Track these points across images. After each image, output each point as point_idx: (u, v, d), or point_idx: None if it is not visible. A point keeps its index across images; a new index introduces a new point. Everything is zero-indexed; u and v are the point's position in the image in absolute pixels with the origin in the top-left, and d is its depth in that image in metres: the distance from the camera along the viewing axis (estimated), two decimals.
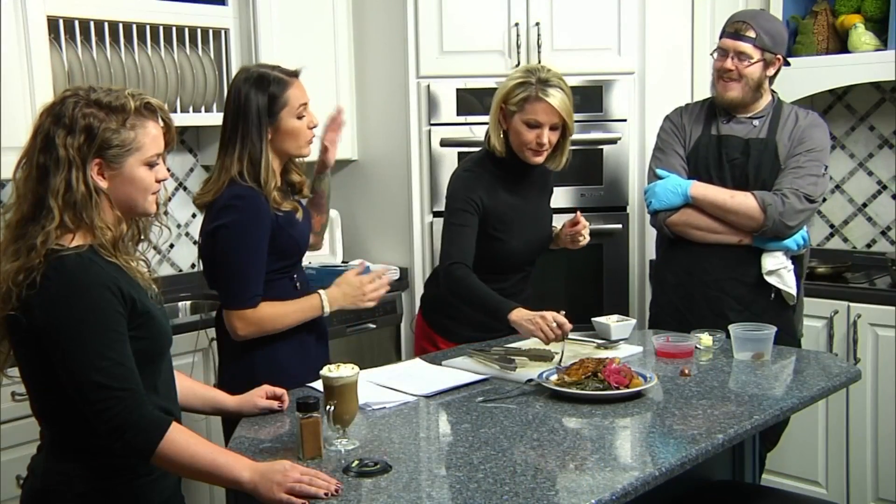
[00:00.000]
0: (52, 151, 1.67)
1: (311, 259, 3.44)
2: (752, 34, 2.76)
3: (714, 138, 2.86)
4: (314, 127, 2.46)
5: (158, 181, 1.79)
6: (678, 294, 2.93)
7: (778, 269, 2.80)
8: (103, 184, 1.72)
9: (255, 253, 2.32)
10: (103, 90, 1.73)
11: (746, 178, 2.81)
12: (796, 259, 2.86)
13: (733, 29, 2.81)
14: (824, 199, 3.96)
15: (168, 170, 1.84)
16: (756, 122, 2.85)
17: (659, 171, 2.89)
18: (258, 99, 2.34)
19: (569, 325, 2.38)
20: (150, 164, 1.76)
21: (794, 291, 2.84)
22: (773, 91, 2.90)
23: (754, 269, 2.82)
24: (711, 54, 2.91)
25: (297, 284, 2.48)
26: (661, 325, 2.93)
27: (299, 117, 2.39)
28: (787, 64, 2.92)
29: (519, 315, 2.44)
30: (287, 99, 2.37)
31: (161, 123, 1.79)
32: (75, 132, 1.67)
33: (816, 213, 4.03)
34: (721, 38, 2.85)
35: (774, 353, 2.51)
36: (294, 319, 2.39)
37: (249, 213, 2.31)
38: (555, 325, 2.37)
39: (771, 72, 2.83)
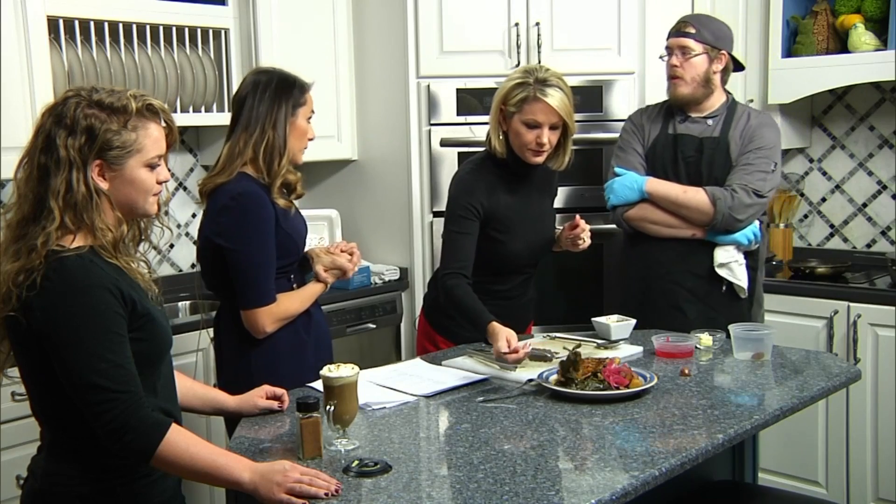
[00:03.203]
0: (53, 152, 1.67)
1: None
2: (692, 30, 2.91)
3: (671, 137, 2.99)
4: (312, 139, 2.52)
5: (160, 182, 1.79)
6: (639, 287, 3.04)
7: (729, 263, 2.92)
8: (104, 185, 1.71)
9: (267, 247, 2.34)
10: (105, 91, 1.73)
11: (700, 175, 2.93)
12: (749, 254, 2.97)
13: (675, 29, 2.96)
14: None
15: (169, 170, 1.84)
16: (710, 122, 2.98)
17: (617, 169, 3.02)
18: (283, 96, 2.40)
19: (522, 358, 2.36)
20: (152, 166, 1.76)
21: (744, 284, 2.94)
22: (727, 91, 3.03)
23: (707, 261, 2.93)
24: (660, 57, 3.03)
25: (294, 285, 2.49)
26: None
27: (308, 121, 2.47)
28: (741, 68, 3.06)
29: (492, 336, 2.42)
30: (306, 100, 2.46)
31: (163, 125, 1.79)
32: (76, 133, 1.67)
33: (816, 214, 4.05)
34: (666, 40, 2.99)
35: (774, 354, 2.52)
36: (304, 305, 2.47)
37: (252, 208, 2.33)
38: (505, 352, 2.35)
39: (717, 67, 2.94)
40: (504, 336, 2.39)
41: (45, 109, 1.73)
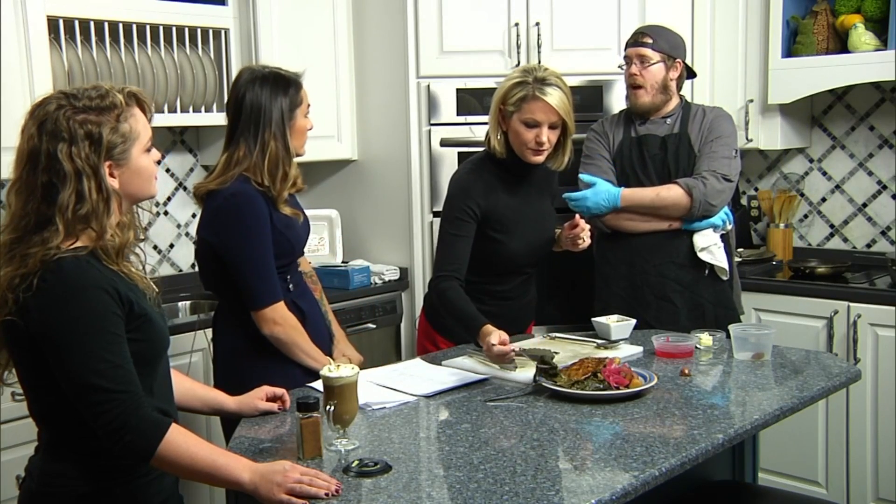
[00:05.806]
0: (56, 167, 1.65)
1: (311, 259, 3.43)
2: (649, 40, 3.00)
3: (634, 140, 3.07)
4: (311, 128, 2.50)
5: (157, 162, 1.81)
6: (622, 286, 3.06)
7: (709, 246, 3.01)
8: (115, 183, 1.71)
9: (264, 247, 2.34)
10: (83, 93, 1.71)
11: (668, 170, 3.01)
12: (723, 237, 3.06)
13: (633, 39, 3.05)
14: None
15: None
16: (668, 121, 3.07)
17: (583, 177, 3.03)
18: (281, 101, 2.37)
19: (509, 353, 2.35)
20: (148, 149, 1.77)
21: (725, 266, 3.02)
22: (681, 95, 3.11)
23: (686, 249, 3.00)
24: (619, 67, 3.11)
25: (291, 286, 2.48)
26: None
27: (305, 116, 2.45)
28: (693, 76, 3.16)
29: (483, 341, 2.42)
30: (302, 97, 2.43)
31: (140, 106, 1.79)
32: (77, 142, 1.66)
33: (816, 214, 4.04)
34: (624, 51, 3.07)
35: (774, 353, 2.52)
36: (306, 349, 2.41)
37: (245, 209, 2.32)
38: (494, 343, 2.35)
39: (673, 75, 3.04)
40: (497, 334, 2.39)
41: (31, 130, 1.69)
